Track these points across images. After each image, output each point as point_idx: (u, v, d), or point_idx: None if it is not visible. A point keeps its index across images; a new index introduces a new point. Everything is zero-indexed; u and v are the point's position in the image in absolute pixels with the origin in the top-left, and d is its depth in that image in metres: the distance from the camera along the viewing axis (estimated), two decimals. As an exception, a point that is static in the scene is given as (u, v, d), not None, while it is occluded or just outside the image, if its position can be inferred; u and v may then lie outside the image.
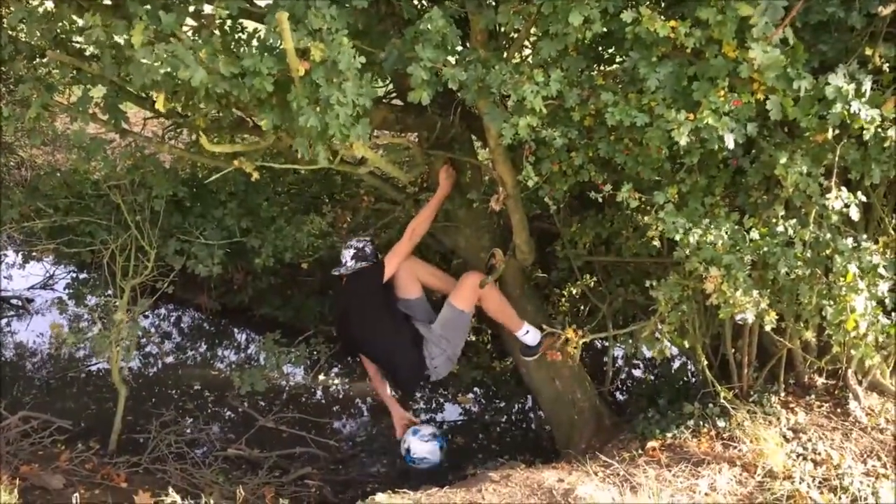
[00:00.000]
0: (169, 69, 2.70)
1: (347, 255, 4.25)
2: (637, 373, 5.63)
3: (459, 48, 3.15)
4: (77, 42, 3.97)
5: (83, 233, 5.03)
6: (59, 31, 3.77)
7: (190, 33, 3.14)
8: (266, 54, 2.82)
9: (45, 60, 3.93)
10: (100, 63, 3.48)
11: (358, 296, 4.23)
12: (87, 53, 3.89)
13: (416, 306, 4.35)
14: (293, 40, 2.74)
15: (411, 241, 4.20)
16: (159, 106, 3.05)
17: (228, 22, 3.25)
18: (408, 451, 4.29)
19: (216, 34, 2.85)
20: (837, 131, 2.92)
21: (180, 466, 4.45)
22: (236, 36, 3.30)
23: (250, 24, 3.50)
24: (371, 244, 4.32)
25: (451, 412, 5.57)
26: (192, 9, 3.21)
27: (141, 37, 2.63)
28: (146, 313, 6.64)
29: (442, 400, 5.72)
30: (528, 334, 4.29)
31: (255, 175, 3.54)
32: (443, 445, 4.32)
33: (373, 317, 4.22)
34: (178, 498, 3.22)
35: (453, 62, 3.08)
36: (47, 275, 7.30)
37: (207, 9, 3.22)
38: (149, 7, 2.91)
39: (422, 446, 4.27)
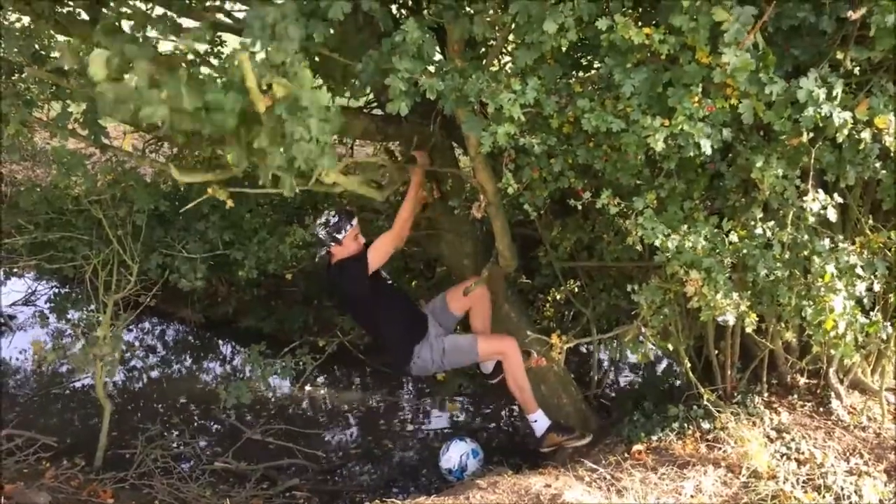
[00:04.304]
0: (132, 106, 2.68)
1: (319, 230, 4.10)
2: (622, 376, 5.65)
3: (438, 57, 3.17)
4: (55, 58, 3.96)
5: (65, 248, 5.01)
6: (37, 46, 3.76)
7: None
8: (230, 91, 2.78)
9: (23, 76, 3.92)
10: (78, 79, 3.47)
11: (341, 288, 4.20)
12: (66, 69, 3.88)
13: (448, 320, 4.39)
14: (256, 77, 2.71)
15: (396, 240, 4.11)
16: (126, 147, 3.06)
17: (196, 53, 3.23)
18: (462, 469, 4.37)
19: (182, 68, 2.81)
20: (812, 134, 2.96)
21: (167, 481, 4.42)
22: (201, 71, 3.26)
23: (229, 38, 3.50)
24: (339, 214, 4.09)
25: (438, 420, 5.57)
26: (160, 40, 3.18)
27: (103, 70, 2.61)
28: (130, 327, 6.60)
29: (429, 407, 5.72)
30: (537, 423, 4.29)
31: (230, 203, 3.54)
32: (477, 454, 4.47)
33: (362, 305, 4.21)
34: (164, 513, 3.21)
35: (432, 71, 3.09)
36: (29, 291, 7.25)
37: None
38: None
39: (474, 465, 4.40)
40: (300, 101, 2.72)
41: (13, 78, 3.98)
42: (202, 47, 3.33)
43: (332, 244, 4.08)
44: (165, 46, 3.16)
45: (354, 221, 4.09)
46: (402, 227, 4.11)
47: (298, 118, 2.75)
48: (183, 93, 2.68)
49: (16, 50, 3.70)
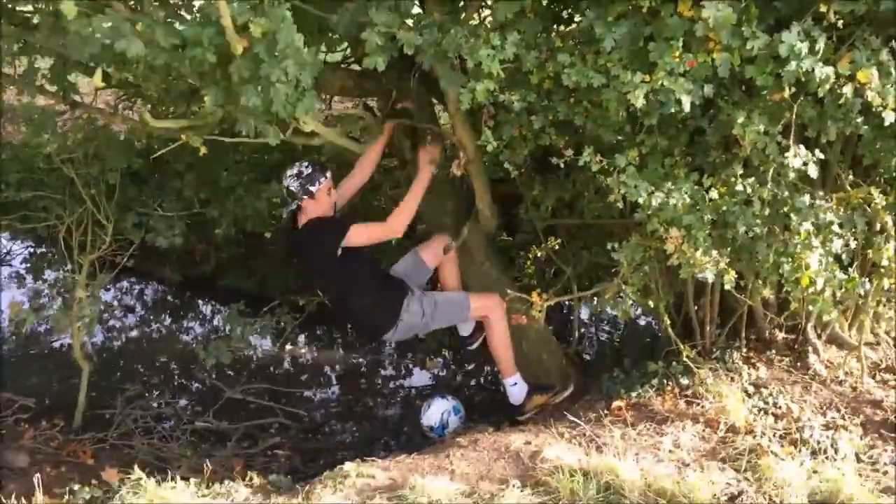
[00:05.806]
0: (106, 41, 2.58)
1: (291, 182, 3.86)
2: (603, 333, 5.68)
3: (416, 10, 3.09)
4: (22, 11, 3.84)
5: (37, 208, 4.92)
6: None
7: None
8: (207, 26, 2.69)
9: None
10: (46, 33, 3.37)
11: (310, 249, 3.97)
12: (34, 23, 3.76)
13: (422, 274, 4.29)
14: (233, 14, 2.62)
15: (388, 234, 4.05)
16: (96, 83, 2.98)
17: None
18: (444, 426, 4.36)
19: (156, 3, 2.72)
20: (794, 89, 2.92)
21: (147, 441, 4.42)
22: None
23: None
24: (312, 166, 3.89)
25: (419, 377, 5.58)
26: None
27: (73, 7, 2.52)
28: (108, 287, 6.53)
29: (410, 364, 5.73)
30: (516, 386, 4.26)
31: (203, 150, 3.45)
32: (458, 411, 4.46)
33: (330, 270, 3.98)
34: (143, 475, 3.20)
35: (410, 24, 3.02)
36: (3, 250, 7.15)
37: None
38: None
39: (455, 422, 4.39)
40: (277, 42, 2.65)
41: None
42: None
43: (305, 197, 3.86)
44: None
45: (328, 174, 3.90)
46: (399, 224, 3.99)
47: (275, 60, 2.68)
48: (157, 28, 2.60)
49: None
